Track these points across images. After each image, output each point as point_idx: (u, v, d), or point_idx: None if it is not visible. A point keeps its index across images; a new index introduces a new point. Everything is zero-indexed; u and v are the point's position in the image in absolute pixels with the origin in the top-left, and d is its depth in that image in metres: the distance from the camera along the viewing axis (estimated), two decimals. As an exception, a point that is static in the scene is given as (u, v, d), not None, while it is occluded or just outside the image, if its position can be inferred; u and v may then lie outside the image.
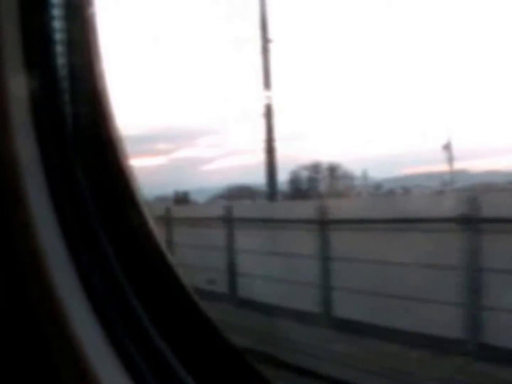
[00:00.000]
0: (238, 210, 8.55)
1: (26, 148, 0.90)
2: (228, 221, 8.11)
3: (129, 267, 0.91)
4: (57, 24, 0.96)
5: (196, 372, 0.87)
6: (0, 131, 0.89)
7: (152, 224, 0.93)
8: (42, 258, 0.87)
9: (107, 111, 0.95)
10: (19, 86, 0.91)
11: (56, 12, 0.95)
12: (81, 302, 0.88)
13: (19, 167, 0.89)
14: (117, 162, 0.93)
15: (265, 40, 12.33)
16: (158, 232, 0.93)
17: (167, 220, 8.93)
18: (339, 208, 6.99)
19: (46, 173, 0.91)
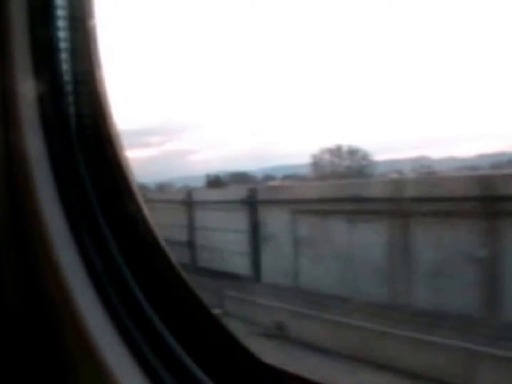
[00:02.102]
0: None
1: (34, 144, 1.01)
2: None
3: (125, 248, 1.02)
4: (62, 34, 1.07)
5: (182, 338, 0.98)
6: (12, 129, 1.01)
7: (146, 210, 1.04)
8: (49, 240, 0.98)
9: (106, 111, 1.06)
10: (29, 89, 1.03)
11: (61, 24, 1.07)
12: (84, 280, 0.99)
13: (29, 160, 1.01)
14: (115, 156, 1.04)
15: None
16: (151, 218, 1.05)
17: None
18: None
19: (53, 166, 1.02)
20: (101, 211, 1.03)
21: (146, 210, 1.04)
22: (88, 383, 0.98)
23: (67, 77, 1.07)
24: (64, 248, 0.99)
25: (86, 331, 0.96)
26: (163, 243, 1.04)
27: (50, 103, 1.05)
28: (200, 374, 1.00)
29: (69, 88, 1.07)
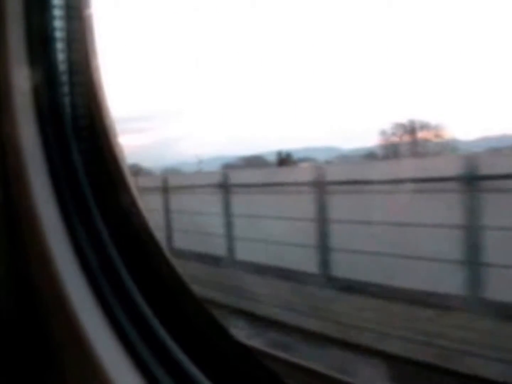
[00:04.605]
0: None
1: (28, 134, 1.00)
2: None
3: (119, 241, 1.00)
4: (58, 23, 1.05)
5: (175, 333, 0.96)
6: (5, 120, 0.99)
7: (141, 203, 1.02)
8: (42, 232, 0.96)
9: (102, 102, 1.04)
10: (23, 79, 1.01)
11: (57, 12, 1.05)
12: (77, 273, 0.98)
13: (22, 151, 0.99)
14: (110, 147, 1.02)
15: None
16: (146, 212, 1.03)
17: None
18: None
19: (47, 157, 1.00)
20: (95, 203, 1.01)
21: (140, 203, 1.02)
22: (80, 379, 0.96)
23: (62, 67, 1.05)
24: (57, 240, 0.97)
25: (78, 326, 0.94)
26: (157, 236, 1.02)
27: (45, 93, 1.03)
28: (193, 369, 0.98)
29: (64, 78, 1.05)
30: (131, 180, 1.02)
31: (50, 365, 1.00)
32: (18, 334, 1.00)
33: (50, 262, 0.97)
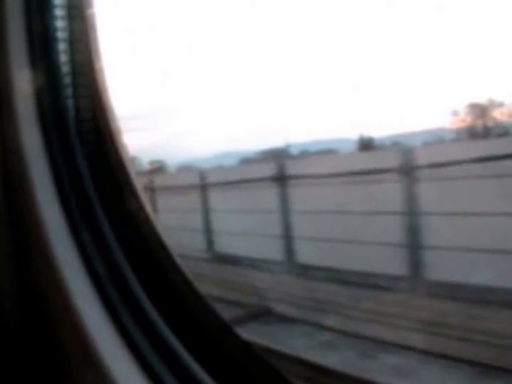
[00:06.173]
0: None
1: (31, 138, 0.97)
2: None
3: (126, 246, 0.97)
4: (60, 23, 1.02)
5: (185, 338, 0.94)
6: (7, 123, 0.96)
7: (149, 208, 0.99)
8: (47, 238, 0.94)
9: (106, 104, 1.01)
10: (25, 81, 0.98)
11: (59, 12, 1.02)
12: (83, 280, 0.95)
13: (25, 156, 0.96)
14: (115, 151, 1.00)
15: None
16: (154, 216, 1.00)
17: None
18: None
19: (50, 161, 0.98)
20: (101, 208, 0.99)
21: (148, 207, 0.99)
22: None
23: (65, 68, 1.03)
24: (63, 247, 0.95)
25: (86, 334, 0.92)
26: (165, 240, 0.99)
27: (47, 96, 1.00)
28: (206, 378, 0.96)
29: (67, 80, 1.03)
30: (138, 184, 1.00)
31: (58, 374, 0.97)
32: (25, 344, 0.97)
33: (56, 269, 0.94)
